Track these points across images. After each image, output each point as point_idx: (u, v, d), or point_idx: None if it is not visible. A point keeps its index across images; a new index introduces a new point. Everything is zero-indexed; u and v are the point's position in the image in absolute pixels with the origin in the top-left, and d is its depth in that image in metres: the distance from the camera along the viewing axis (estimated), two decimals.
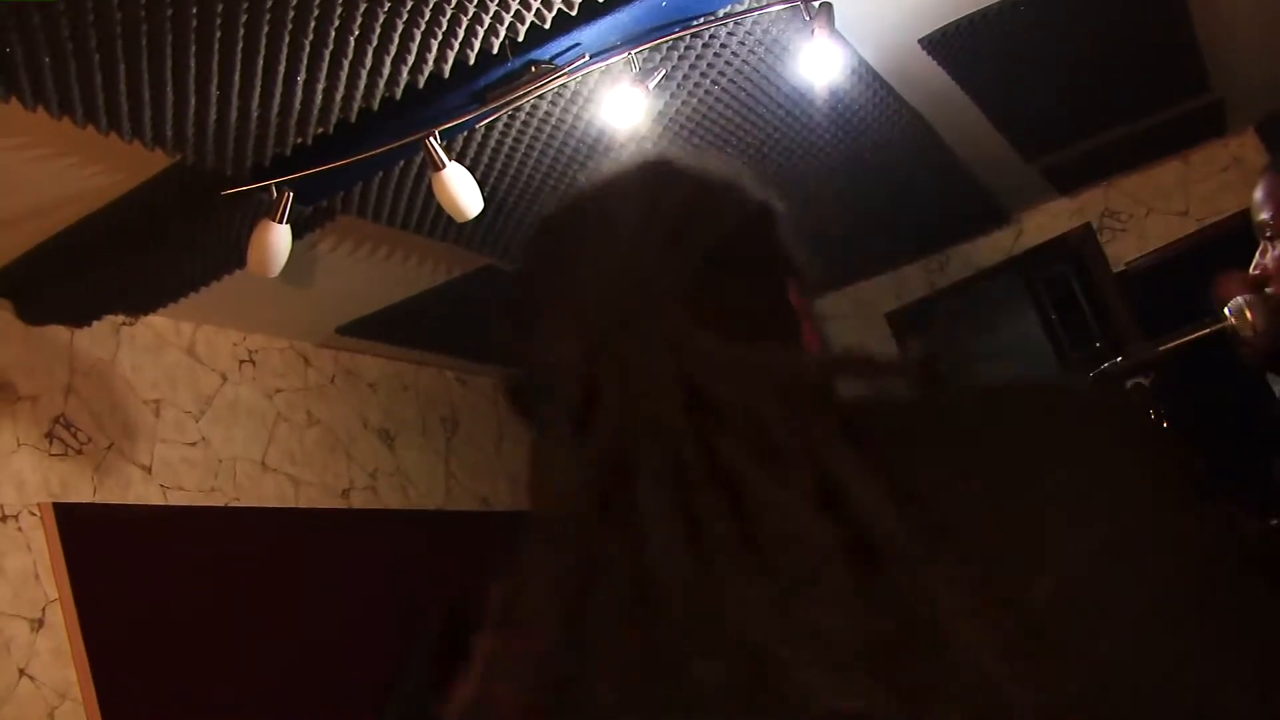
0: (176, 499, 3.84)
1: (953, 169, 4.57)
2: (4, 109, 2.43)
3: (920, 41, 3.47)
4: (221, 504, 4.00)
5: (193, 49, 2.39)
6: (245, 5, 2.30)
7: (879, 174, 4.21)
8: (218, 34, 2.37)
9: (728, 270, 0.96)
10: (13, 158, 2.81)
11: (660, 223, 0.97)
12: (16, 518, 3.30)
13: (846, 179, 4.13)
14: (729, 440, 0.81)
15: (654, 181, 1.04)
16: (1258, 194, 2.23)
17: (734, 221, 1.01)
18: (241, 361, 4.33)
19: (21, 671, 3.13)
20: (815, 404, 0.84)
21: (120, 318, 3.84)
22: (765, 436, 0.81)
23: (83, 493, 3.53)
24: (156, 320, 4.00)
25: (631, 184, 1.05)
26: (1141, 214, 5.49)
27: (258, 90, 2.60)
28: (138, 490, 3.72)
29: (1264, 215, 2.19)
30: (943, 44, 3.50)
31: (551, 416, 0.89)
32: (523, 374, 1.01)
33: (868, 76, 3.53)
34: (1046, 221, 5.65)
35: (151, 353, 3.96)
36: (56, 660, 3.24)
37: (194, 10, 2.27)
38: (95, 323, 3.72)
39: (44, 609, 3.27)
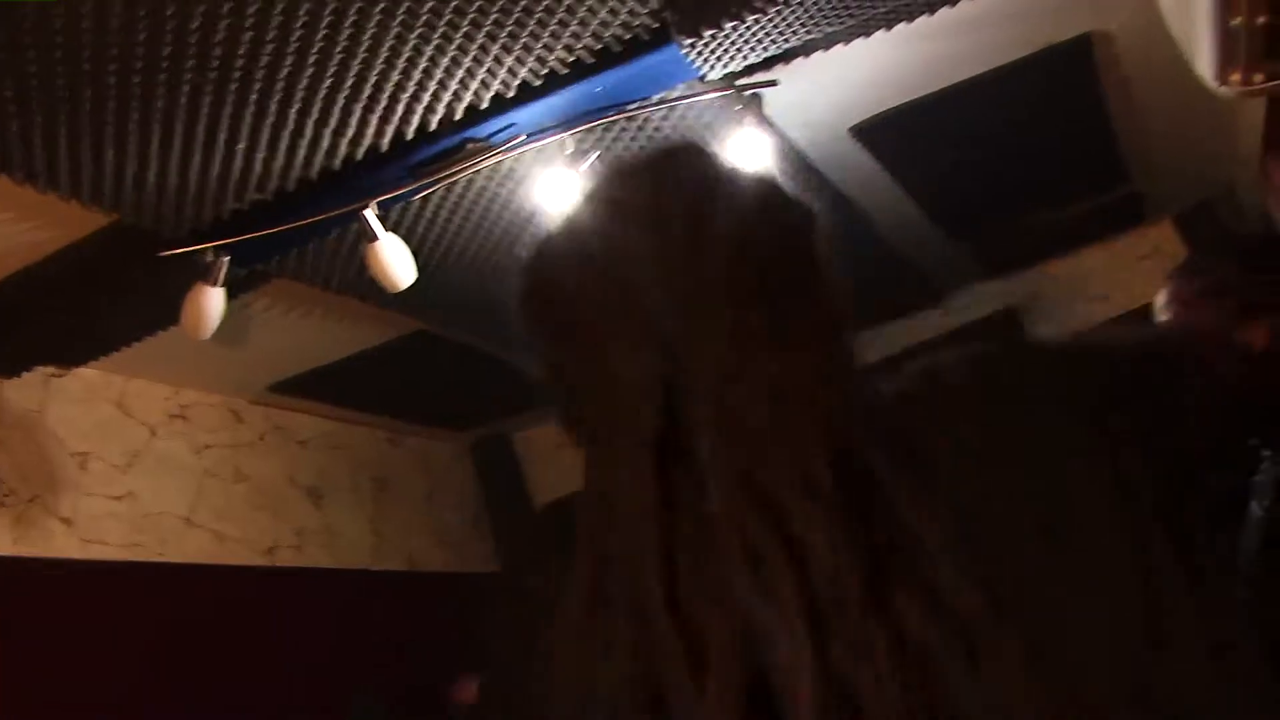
0: (99, 553, 3.83)
1: (883, 251, 4.68)
2: None
3: (850, 130, 3.58)
4: (145, 559, 3.99)
5: (134, 114, 2.44)
6: (187, 74, 2.35)
7: None
8: (159, 100, 2.42)
9: (780, 279, 1.00)
10: None
11: (722, 232, 0.99)
12: None
13: None
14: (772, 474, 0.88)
15: (710, 191, 1.04)
16: (1160, 297, 2.33)
17: (789, 234, 1.04)
18: (172, 415, 4.34)
19: None
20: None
21: (50, 369, 3.85)
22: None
23: (2, 545, 3.52)
24: (87, 372, 4.00)
25: (686, 193, 1.04)
26: (1065, 298, 5.64)
27: (197, 156, 2.65)
28: (59, 543, 3.71)
29: (1163, 318, 2.29)
30: (872, 133, 3.61)
31: (621, 431, 0.93)
32: (578, 386, 1.03)
33: (798, 162, 3.63)
34: (975, 303, 5.77)
35: (81, 404, 3.96)
36: None
37: (137, 76, 2.32)
38: (25, 373, 3.73)
39: None
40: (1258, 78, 2.40)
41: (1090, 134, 4.13)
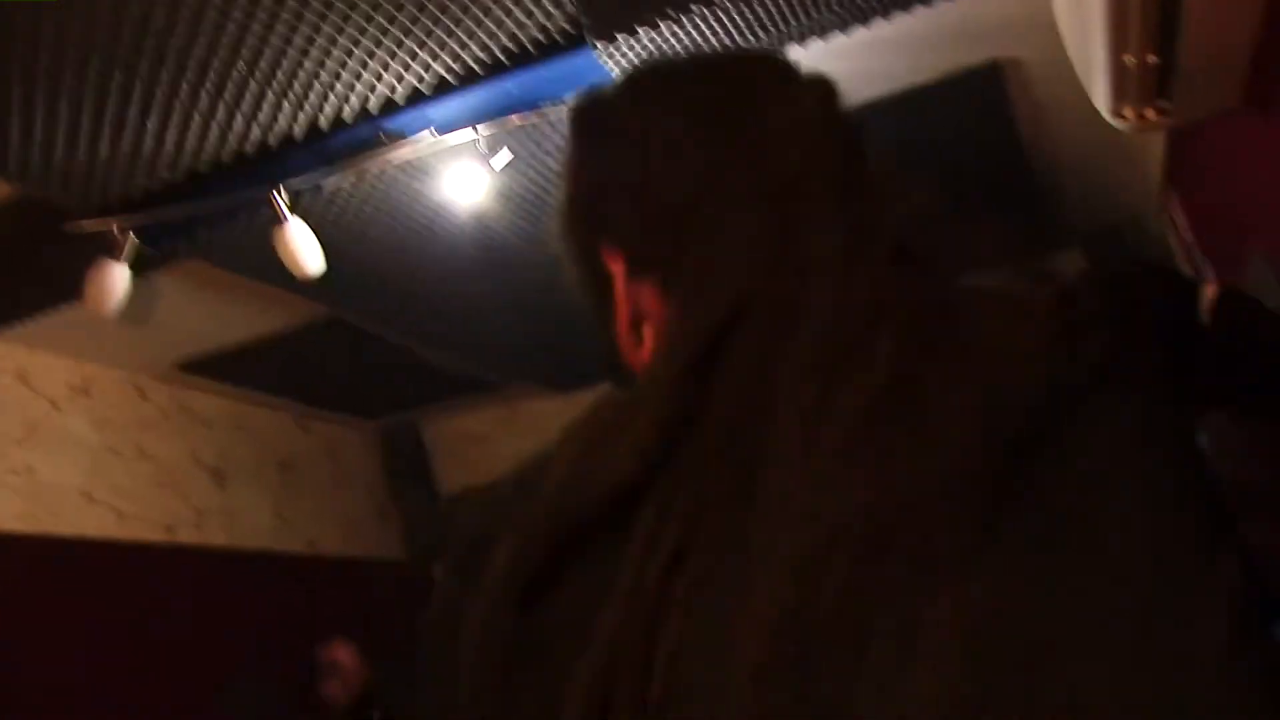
0: None
1: None
2: None
3: None
4: (40, 532, 3.96)
5: (43, 88, 2.44)
6: (100, 51, 2.36)
7: None
8: (68, 78, 2.42)
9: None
10: None
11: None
12: None
13: None
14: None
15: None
16: None
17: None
18: (74, 389, 4.31)
19: None
20: None
21: None
22: None
23: None
24: None
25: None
26: None
27: (106, 133, 2.65)
28: None
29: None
30: None
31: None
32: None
33: None
34: None
35: None
36: None
37: (46, 52, 2.32)
38: None
39: None
40: (1149, 114, 2.48)
41: (1001, 158, 4.21)
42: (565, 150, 1.19)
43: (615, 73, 2.78)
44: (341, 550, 5.55)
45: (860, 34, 2.91)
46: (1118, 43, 2.20)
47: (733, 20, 2.66)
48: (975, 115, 3.81)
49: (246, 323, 4.32)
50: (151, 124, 2.65)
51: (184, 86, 2.53)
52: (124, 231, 2.96)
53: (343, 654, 4.16)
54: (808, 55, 2.96)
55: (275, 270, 3.53)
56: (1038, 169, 4.41)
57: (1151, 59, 2.22)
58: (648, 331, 1.10)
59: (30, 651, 3.69)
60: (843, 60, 3.16)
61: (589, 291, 1.16)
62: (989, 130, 3.95)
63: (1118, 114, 2.48)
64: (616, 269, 1.10)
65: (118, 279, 2.98)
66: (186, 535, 4.63)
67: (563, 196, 1.18)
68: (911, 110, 3.58)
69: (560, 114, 3.01)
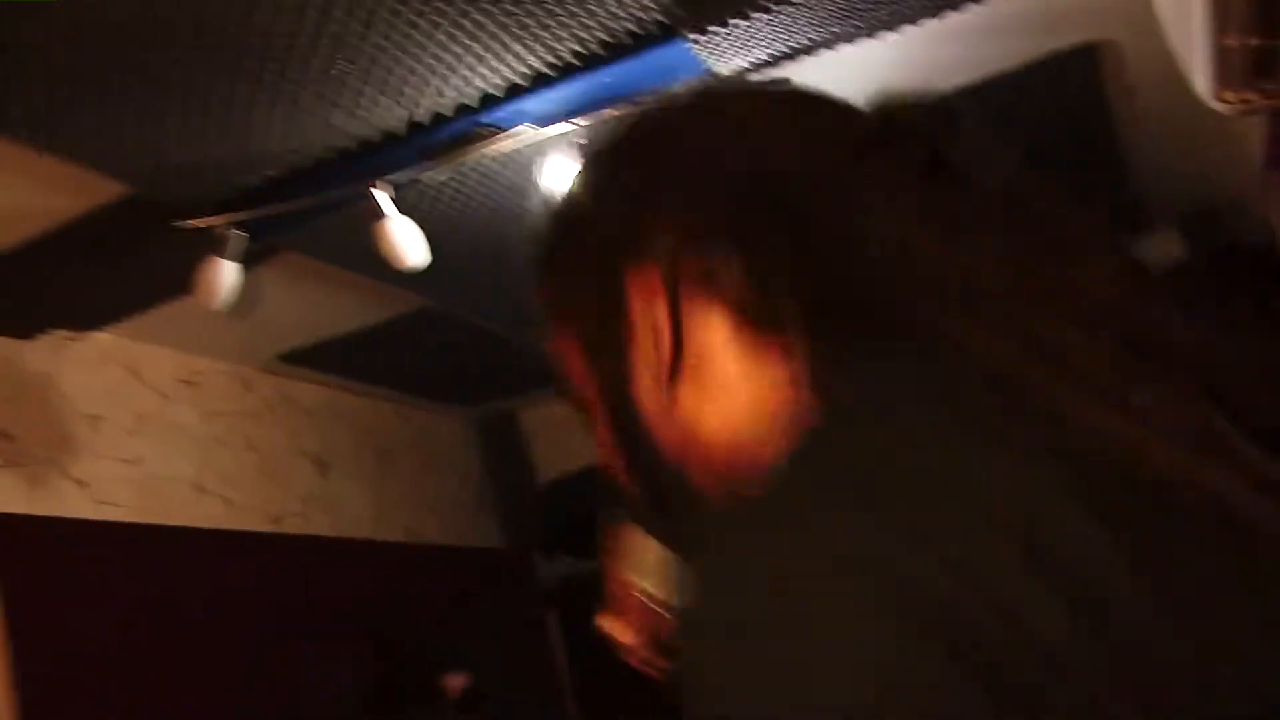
0: (110, 515, 3.92)
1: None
2: None
3: None
4: (155, 522, 4.08)
5: (153, 88, 2.52)
6: (205, 50, 2.43)
7: None
8: (177, 78, 2.50)
9: None
10: None
11: None
12: None
13: None
14: None
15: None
16: None
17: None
18: (182, 382, 4.42)
19: None
20: None
21: (66, 333, 3.94)
22: None
23: (16, 504, 3.61)
24: (101, 337, 4.09)
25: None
26: None
27: (213, 133, 2.72)
28: (72, 504, 3.80)
29: None
30: None
31: None
32: None
33: None
34: None
35: (94, 368, 4.05)
36: None
37: (157, 52, 2.39)
38: (40, 336, 3.82)
39: None
40: (1251, 97, 2.46)
41: (1094, 141, 4.18)
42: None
43: (708, 64, 2.81)
44: (441, 538, 5.63)
45: (952, 19, 2.91)
46: (1219, 26, 2.19)
47: (825, 8, 2.67)
48: (1068, 98, 3.79)
49: (346, 314, 4.41)
50: (257, 123, 2.72)
51: (287, 84, 2.59)
52: (230, 227, 3.04)
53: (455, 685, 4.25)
54: (900, 41, 2.96)
55: (375, 262, 3.61)
56: (1131, 151, 4.37)
57: (1254, 41, 2.21)
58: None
59: (143, 638, 3.80)
60: (934, 46, 3.16)
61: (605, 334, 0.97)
62: (1082, 113, 3.92)
63: (1219, 97, 2.46)
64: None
65: (226, 275, 3.06)
66: (292, 524, 4.73)
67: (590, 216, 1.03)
68: (1004, 95, 3.56)
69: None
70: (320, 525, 4.89)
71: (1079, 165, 4.34)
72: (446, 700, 4.18)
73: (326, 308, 4.28)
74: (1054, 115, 3.83)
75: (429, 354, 5.02)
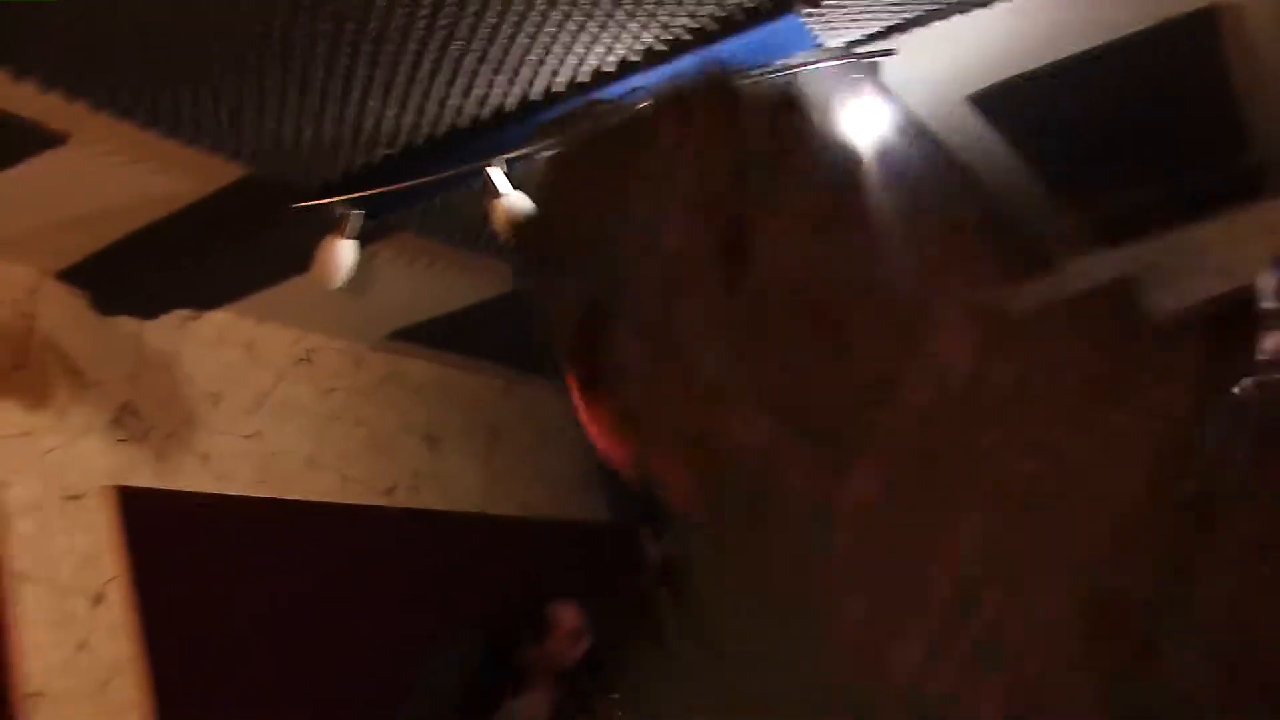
0: (230, 489, 4.01)
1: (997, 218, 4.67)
2: (96, 119, 2.61)
3: (968, 98, 3.60)
4: (272, 496, 4.17)
5: (273, 73, 2.56)
6: (325, 37, 2.46)
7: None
8: (297, 61, 2.54)
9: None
10: (100, 163, 2.99)
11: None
12: (82, 498, 3.47)
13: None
14: None
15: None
16: (1267, 280, 2.32)
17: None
18: (298, 360, 4.50)
19: (81, 644, 3.31)
20: None
21: (187, 312, 4.02)
22: None
23: (143, 477, 3.71)
24: (220, 316, 4.17)
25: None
26: (1182, 271, 5.57)
27: (331, 114, 2.77)
28: (194, 478, 3.89)
29: (1269, 304, 2.27)
30: (989, 101, 3.62)
31: None
32: None
33: (915, 129, 3.66)
34: (1089, 272, 5.71)
35: (213, 347, 4.14)
36: (112, 635, 3.41)
37: (276, 37, 2.44)
38: (163, 316, 3.91)
39: (103, 586, 3.44)
40: None
41: (1213, 105, 4.10)
42: None
43: (821, 39, 2.80)
44: (551, 512, 5.68)
45: None
46: None
47: None
48: (1186, 63, 3.71)
49: (456, 291, 4.45)
50: (373, 103, 2.76)
51: (403, 65, 2.62)
52: (347, 207, 3.08)
53: (569, 616, 4.26)
54: (1013, 8, 2.92)
55: (488, 240, 3.65)
56: (1250, 115, 4.28)
57: None
58: None
59: (260, 606, 3.89)
60: (1049, 12, 3.12)
61: None
62: (1200, 77, 3.84)
63: None
64: None
65: (343, 253, 3.11)
66: (404, 498, 4.80)
67: None
68: (1120, 60, 3.50)
69: (769, 80, 3.04)
70: (430, 499, 4.96)
71: (1197, 131, 4.26)
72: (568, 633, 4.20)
73: (437, 285, 4.33)
74: (1173, 80, 3.76)
75: (535, 329, 5.04)
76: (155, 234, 3.42)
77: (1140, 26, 3.39)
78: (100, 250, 3.51)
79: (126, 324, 3.82)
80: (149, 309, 3.85)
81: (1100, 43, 3.42)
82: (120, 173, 3.08)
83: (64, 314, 3.63)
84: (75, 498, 3.46)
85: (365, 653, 4.18)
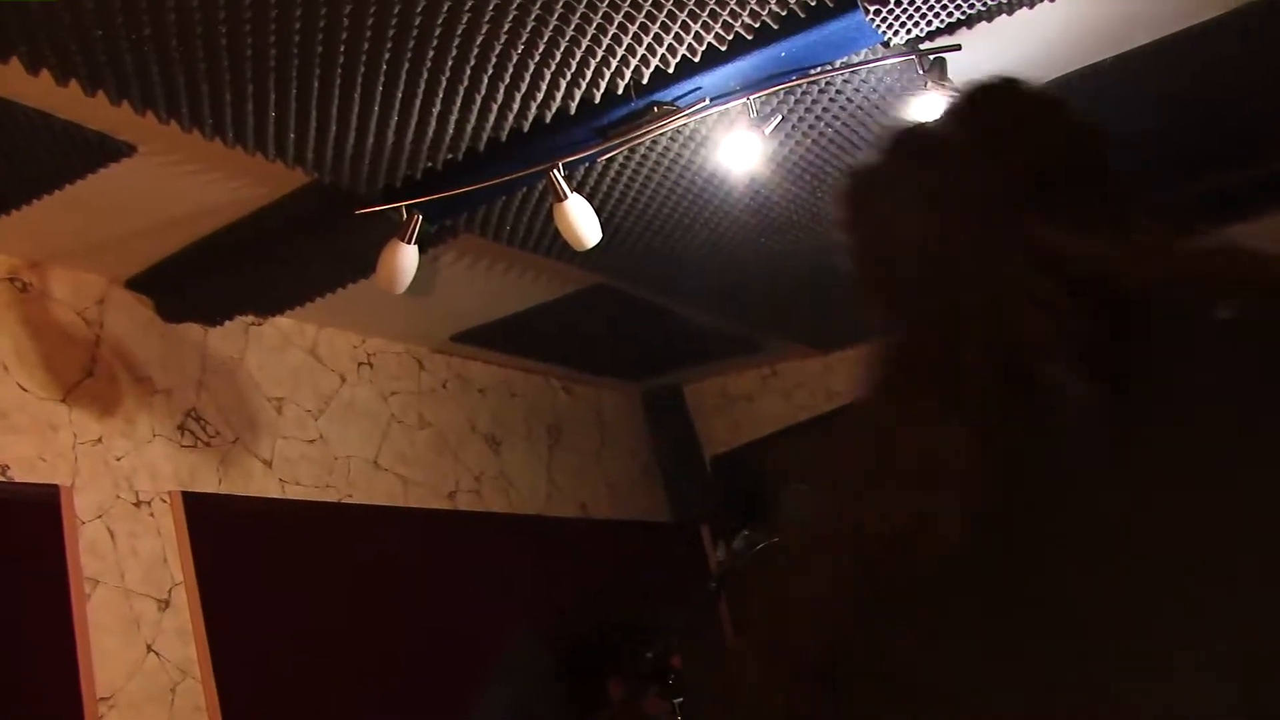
0: (294, 493, 4.04)
1: None
2: (161, 129, 2.63)
3: None
4: (335, 499, 4.19)
5: (336, 80, 2.56)
6: (387, 43, 2.46)
7: None
8: (361, 67, 2.54)
9: (1057, 180, 1.04)
10: (167, 172, 3.03)
11: (979, 141, 1.05)
12: (149, 504, 3.51)
13: None
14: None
15: (978, 104, 1.11)
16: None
17: (1054, 137, 1.09)
18: (360, 363, 4.52)
19: (149, 647, 3.34)
20: None
21: (250, 318, 4.05)
22: None
23: (209, 483, 3.74)
24: (283, 321, 4.20)
25: (959, 108, 1.12)
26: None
27: (393, 119, 2.77)
28: (259, 483, 3.92)
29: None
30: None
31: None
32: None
33: None
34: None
35: (277, 352, 4.16)
36: (180, 639, 3.44)
37: (341, 45, 2.44)
38: (227, 322, 3.94)
39: (170, 590, 3.47)
40: None
41: None
42: None
43: (884, 36, 2.76)
44: (611, 512, 5.68)
45: None
46: None
47: None
48: (1260, 51, 3.63)
49: (518, 293, 4.45)
50: (435, 109, 2.76)
51: (466, 69, 2.62)
52: (410, 212, 3.08)
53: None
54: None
55: (549, 242, 3.65)
56: None
57: None
58: None
59: (323, 610, 3.91)
60: (1115, 4, 3.07)
61: None
62: (1273, 65, 3.76)
63: None
64: None
65: (407, 258, 3.11)
66: (466, 501, 4.81)
67: None
68: (1189, 50, 3.43)
69: (832, 78, 3.01)
70: (492, 501, 4.97)
71: (1271, 122, 4.18)
72: (630, 670, 4.20)
73: (499, 287, 4.33)
74: (1244, 70, 3.68)
75: (598, 330, 5.05)
76: (220, 241, 3.45)
77: (1210, 15, 3.33)
78: (166, 258, 3.54)
79: (192, 331, 3.86)
80: (213, 316, 3.88)
81: (1168, 33, 3.36)
82: (186, 182, 3.11)
83: (131, 322, 3.67)
84: (143, 503, 3.49)
85: (429, 657, 4.19)
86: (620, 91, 2.81)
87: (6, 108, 2.58)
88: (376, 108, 2.71)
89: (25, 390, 3.29)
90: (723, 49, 2.73)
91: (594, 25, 2.54)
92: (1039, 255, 0.95)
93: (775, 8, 2.61)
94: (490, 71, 2.65)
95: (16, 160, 2.83)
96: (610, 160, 3.22)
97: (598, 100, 2.84)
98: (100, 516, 3.36)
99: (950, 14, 2.72)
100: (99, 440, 3.44)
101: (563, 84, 2.75)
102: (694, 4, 2.54)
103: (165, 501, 3.56)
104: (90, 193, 3.04)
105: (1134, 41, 3.34)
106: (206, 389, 3.85)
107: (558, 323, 4.81)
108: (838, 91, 3.14)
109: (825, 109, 3.21)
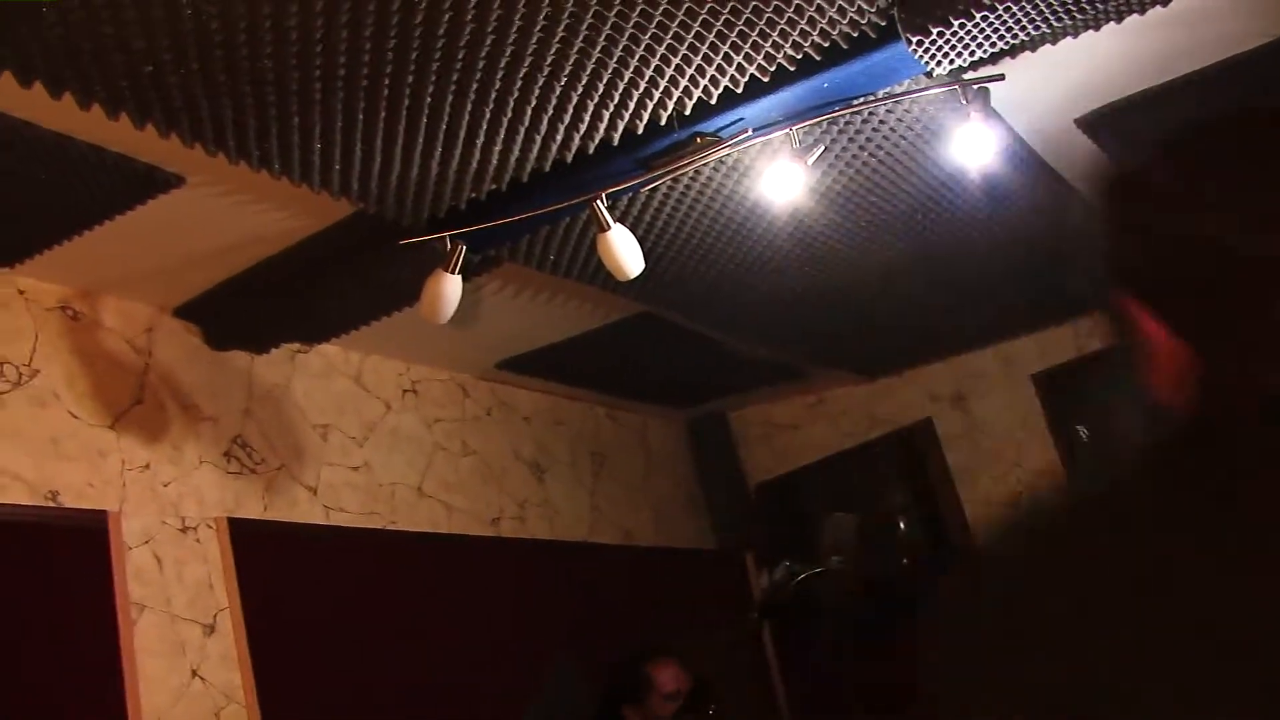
0: (338, 519, 4.06)
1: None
2: (209, 161, 2.66)
3: (1076, 121, 3.53)
4: (380, 526, 4.22)
5: (382, 113, 2.59)
6: (432, 76, 2.49)
7: (1031, 241, 4.26)
8: (406, 100, 2.56)
9: None
10: (215, 203, 3.07)
11: None
12: (196, 530, 3.54)
13: (998, 244, 4.21)
14: None
15: None
16: None
17: None
18: (404, 391, 4.55)
19: (194, 672, 3.37)
20: None
21: (296, 346, 4.09)
22: None
23: (254, 509, 3.77)
24: (328, 349, 4.24)
25: None
26: None
27: (438, 150, 2.79)
28: (303, 509, 3.95)
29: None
30: (1098, 124, 3.55)
31: None
32: None
33: (1022, 153, 3.61)
34: None
35: (322, 380, 4.20)
36: (224, 664, 3.47)
37: (385, 78, 2.46)
38: (273, 350, 3.97)
39: (215, 615, 3.50)
40: None
41: None
42: None
43: (927, 66, 2.77)
44: (654, 540, 5.68)
45: (1178, 4, 2.79)
46: None
47: (1048, 4, 2.61)
48: None
49: (561, 321, 4.47)
50: (479, 139, 2.78)
51: (510, 101, 2.64)
52: (455, 243, 3.10)
53: (667, 678, 4.23)
54: (1122, 29, 2.86)
55: (593, 271, 3.66)
56: None
57: None
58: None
59: (367, 636, 3.93)
60: (1160, 32, 3.04)
61: None
62: None
63: None
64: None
65: (452, 288, 3.13)
66: (509, 528, 4.83)
67: None
68: (1234, 80, 3.41)
69: (874, 108, 3.01)
70: (537, 528, 4.98)
71: None
72: (665, 696, 4.18)
73: (543, 316, 4.35)
74: None
75: (641, 358, 5.06)
76: (266, 270, 3.49)
77: (1255, 45, 3.31)
78: (214, 287, 3.59)
79: (238, 358, 3.90)
80: (260, 344, 3.92)
81: (1212, 62, 3.34)
82: (234, 212, 3.15)
83: (179, 350, 3.71)
84: (189, 529, 3.53)
85: (472, 682, 4.20)
86: (663, 122, 2.83)
87: (61, 141, 2.63)
88: (421, 139, 2.73)
89: (76, 417, 3.34)
90: (765, 80, 2.73)
91: (636, 57, 2.55)
92: None
93: (818, 39, 2.61)
94: (533, 103, 2.67)
95: (69, 192, 2.88)
96: (653, 190, 3.23)
97: (640, 131, 2.86)
98: (147, 542, 3.40)
99: (994, 43, 2.72)
100: (147, 466, 3.48)
101: (606, 115, 2.76)
102: (736, 36, 2.55)
103: (211, 527, 3.60)
104: (140, 223, 3.08)
105: (1176, 71, 3.33)
106: (252, 416, 3.88)
107: (602, 350, 4.83)
108: (880, 122, 3.14)
109: (869, 139, 3.22)
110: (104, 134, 2.62)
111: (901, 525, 5.73)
